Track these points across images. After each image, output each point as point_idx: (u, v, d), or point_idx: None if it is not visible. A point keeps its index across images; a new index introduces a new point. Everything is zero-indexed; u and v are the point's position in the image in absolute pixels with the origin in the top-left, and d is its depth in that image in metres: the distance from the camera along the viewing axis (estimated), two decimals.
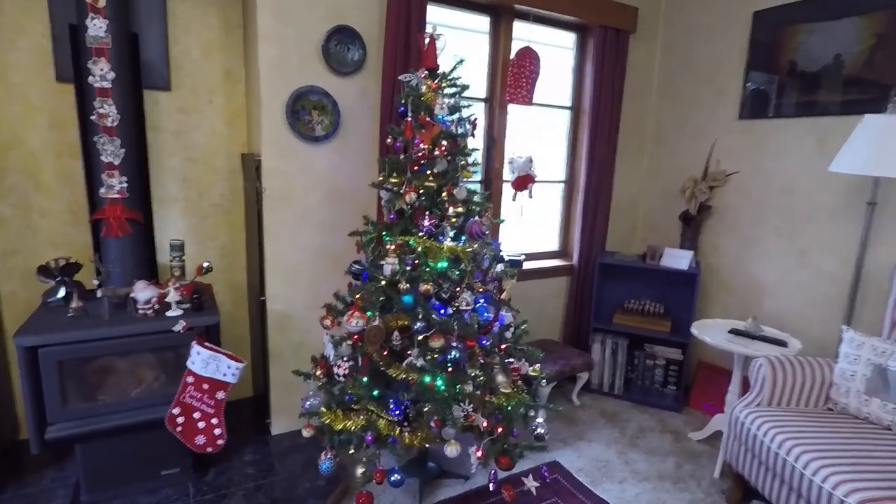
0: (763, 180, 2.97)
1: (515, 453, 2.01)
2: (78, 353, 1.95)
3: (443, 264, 1.97)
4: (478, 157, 2.26)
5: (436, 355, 1.92)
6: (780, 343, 2.51)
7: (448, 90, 2.09)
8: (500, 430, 2.04)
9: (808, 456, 1.82)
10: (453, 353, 1.92)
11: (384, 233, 2.07)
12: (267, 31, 2.29)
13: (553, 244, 3.61)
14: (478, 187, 2.40)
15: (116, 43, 2.00)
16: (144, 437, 2.13)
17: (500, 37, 3.01)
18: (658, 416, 3.12)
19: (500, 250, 2.27)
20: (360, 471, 1.87)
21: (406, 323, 1.99)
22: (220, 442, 2.18)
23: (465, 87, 2.12)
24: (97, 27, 1.95)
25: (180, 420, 2.12)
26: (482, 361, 2.11)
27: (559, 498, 2.32)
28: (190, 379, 2.11)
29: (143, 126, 2.21)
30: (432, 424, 1.87)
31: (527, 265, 3.33)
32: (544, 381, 2.39)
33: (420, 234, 2.01)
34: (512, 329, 2.30)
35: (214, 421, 2.16)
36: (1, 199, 2.29)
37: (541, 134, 3.53)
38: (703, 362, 3.27)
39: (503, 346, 2.12)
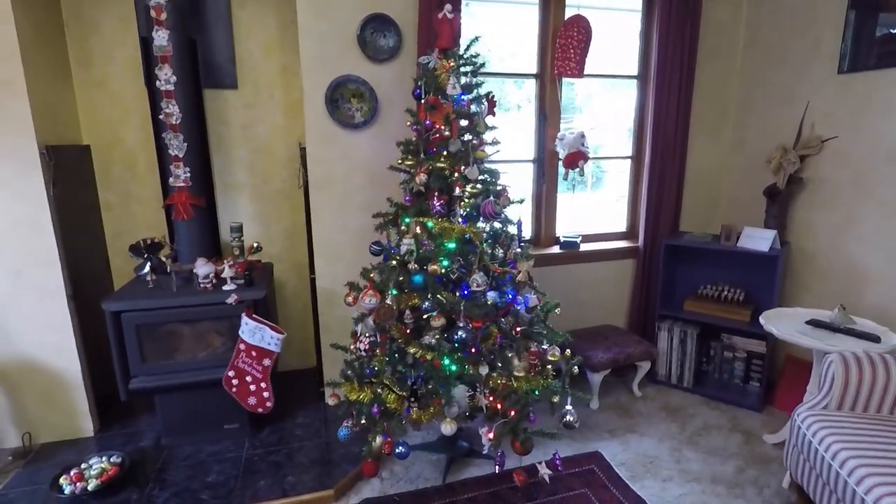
0: (868, 145, 2.48)
1: (523, 438, 1.96)
2: (151, 319, 2.30)
3: (451, 245, 1.97)
4: (497, 135, 2.19)
5: (440, 335, 1.94)
6: (872, 338, 2.10)
7: (465, 69, 2.07)
8: (512, 413, 2.00)
9: (864, 471, 1.53)
10: (459, 333, 1.93)
11: (401, 214, 2.12)
12: (306, 27, 2.44)
13: (622, 225, 3.38)
14: (499, 167, 2.32)
15: (177, 50, 2.29)
16: (211, 394, 2.44)
17: (550, 6, 2.87)
18: (732, 413, 2.80)
19: (521, 231, 2.20)
20: (372, 441, 1.97)
21: (417, 302, 2.04)
22: (269, 404, 2.43)
23: (481, 65, 2.08)
24: (161, 37, 2.25)
25: (235, 382, 2.41)
26: (499, 343, 2.09)
27: (589, 490, 2.22)
28: (242, 346, 2.38)
29: (203, 122, 2.50)
30: (434, 402, 1.90)
31: (588, 247, 3.17)
32: (576, 367, 2.30)
33: (433, 214, 2.03)
34: (537, 312, 2.24)
35: (263, 385, 2.41)
36: (108, 189, 2.76)
37: (613, 108, 3.31)
38: (792, 357, 2.86)
39: (518, 329, 2.06)
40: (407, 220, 2.10)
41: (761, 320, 2.35)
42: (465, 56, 2.05)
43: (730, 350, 3.03)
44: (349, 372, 2.11)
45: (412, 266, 2.00)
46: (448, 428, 1.86)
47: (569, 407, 2.19)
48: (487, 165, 2.22)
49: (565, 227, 3.30)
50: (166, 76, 2.29)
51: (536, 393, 2.13)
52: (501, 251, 2.15)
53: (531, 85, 3.02)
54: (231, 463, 2.33)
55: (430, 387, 1.93)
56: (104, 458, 2.21)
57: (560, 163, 2.93)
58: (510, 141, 3.08)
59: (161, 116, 2.33)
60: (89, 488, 2.06)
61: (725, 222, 3.24)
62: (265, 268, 2.75)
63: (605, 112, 3.31)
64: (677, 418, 2.77)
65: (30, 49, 2.23)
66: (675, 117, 2.99)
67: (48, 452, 2.40)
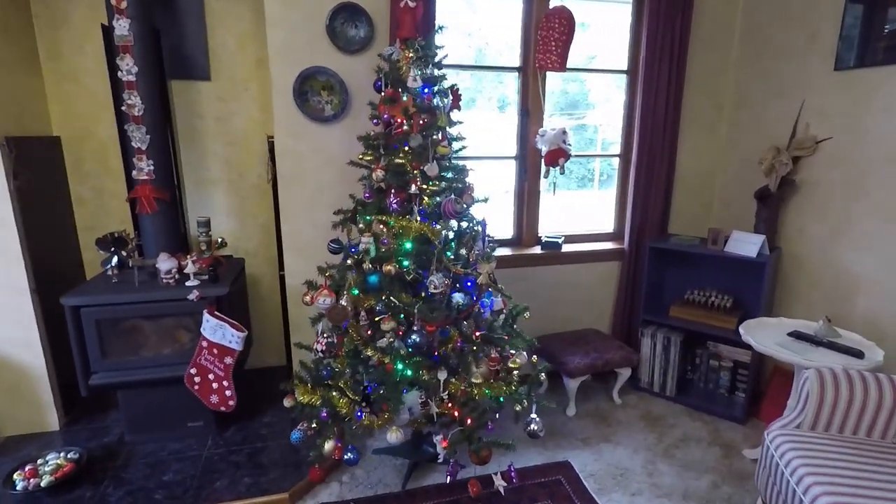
0: (864, 146, 2.33)
1: (476, 447, 1.88)
2: (111, 314, 2.27)
3: (408, 245, 1.89)
4: (464, 130, 2.10)
5: (393, 339, 1.87)
6: (854, 353, 1.98)
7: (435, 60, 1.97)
8: (469, 421, 1.93)
9: (827, 500, 1.42)
10: (413, 336, 1.85)
11: (360, 211, 2.05)
12: (274, 16, 2.37)
13: (609, 225, 3.26)
14: (474, 164, 2.23)
15: (139, 40, 2.23)
16: (175, 391, 2.40)
17: None
18: (714, 425, 2.69)
19: (485, 231, 2.11)
20: (321, 446, 1.91)
21: (373, 304, 1.96)
22: (231, 403, 2.38)
23: (441, 57, 1.98)
24: (122, 27, 2.20)
25: (197, 380, 2.37)
26: (460, 347, 2.01)
27: (552, 502, 2.13)
28: (204, 343, 2.34)
29: (168, 114, 2.44)
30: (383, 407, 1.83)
31: (572, 248, 3.07)
32: (543, 374, 2.22)
33: (391, 212, 1.95)
34: (503, 316, 2.15)
35: (225, 383, 2.36)
36: (81, 183, 2.73)
37: (604, 104, 3.19)
38: (780, 368, 2.72)
39: (477, 334, 1.98)
40: (366, 217, 2.02)
41: (741, 330, 2.23)
42: (426, 46, 1.96)
43: (716, 359, 2.90)
44: (303, 373, 2.05)
45: (366, 266, 1.93)
46: (393, 436, 1.79)
47: (533, 415, 2.12)
48: (455, 162, 2.13)
49: (553, 226, 3.20)
50: (128, 66, 2.24)
51: (501, 400, 2.05)
52: (466, 251, 2.06)
53: (512, 78, 2.91)
54: (191, 462, 2.30)
55: (381, 392, 1.86)
56: (61, 455, 2.19)
57: (542, 160, 2.83)
58: (503, 137, 2.99)
59: (123, 108, 2.28)
60: (42, 485, 2.04)
61: (717, 225, 3.10)
62: (235, 264, 2.70)
63: (595, 111, 3.20)
64: (656, 428, 2.66)
65: None
66: (665, 113, 2.86)
67: (13, 445, 2.40)
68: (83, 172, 2.72)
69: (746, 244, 2.59)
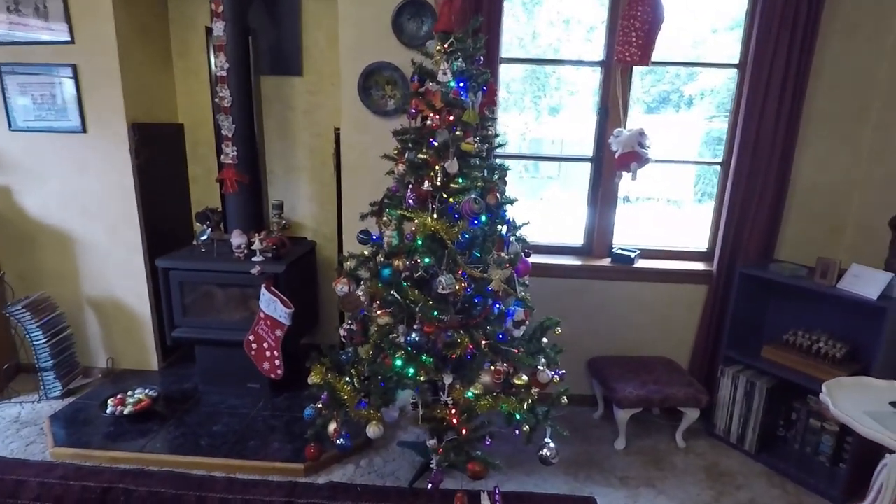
0: None
1: (466, 460, 1.79)
2: (191, 278, 2.63)
3: (418, 242, 1.86)
4: (499, 128, 1.99)
5: (396, 335, 1.85)
6: None
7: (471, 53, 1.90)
8: (464, 431, 1.84)
9: None
10: (413, 335, 1.82)
11: (386, 203, 2.06)
12: (346, 14, 2.50)
13: (703, 243, 2.84)
14: (503, 162, 2.09)
15: (232, 40, 2.52)
16: (240, 354, 2.69)
17: None
18: (799, 498, 2.20)
19: (509, 235, 1.97)
20: (321, 425, 1.98)
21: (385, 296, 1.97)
22: (279, 372, 2.61)
23: (477, 49, 1.89)
24: (218, 28, 2.51)
25: (254, 346, 2.63)
26: (471, 354, 1.93)
27: None
28: (261, 314, 2.59)
29: (251, 107, 2.71)
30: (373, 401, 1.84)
31: (650, 264, 2.74)
32: (564, 398, 2.03)
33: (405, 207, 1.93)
34: (523, 328, 2.01)
35: (276, 353, 2.59)
36: (195, 164, 3.20)
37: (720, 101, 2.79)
38: None
39: (484, 342, 1.87)
40: (390, 211, 2.04)
41: (823, 387, 1.77)
42: (461, 40, 1.88)
43: (818, 418, 2.35)
44: (322, 356, 2.14)
45: (379, 258, 1.94)
46: (372, 430, 1.79)
47: (548, 440, 1.95)
48: (494, 161, 2.04)
49: (634, 239, 2.89)
50: (221, 63, 2.54)
51: (518, 417, 1.93)
52: (485, 254, 1.96)
53: (595, 74, 2.67)
54: (239, 418, 2.57)
55: (374, 385, 1.87)
56: (144, 391, 2.61)
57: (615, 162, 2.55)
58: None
59: (216, 100, 2.61)
60: (125, 412, 2.46)
61: (848, 255, 2.50)
62: (303, 246, 2.93)
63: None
64: (717, 485, 2.26)
65: (129, 44, 2.66)
66: (777, 113, 2.37)
67: (121, 377, 2.93)
68: (198, 154, 3.18)
69: (867, 282, 2.05)
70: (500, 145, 2.08)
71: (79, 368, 2.90)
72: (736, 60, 2.56)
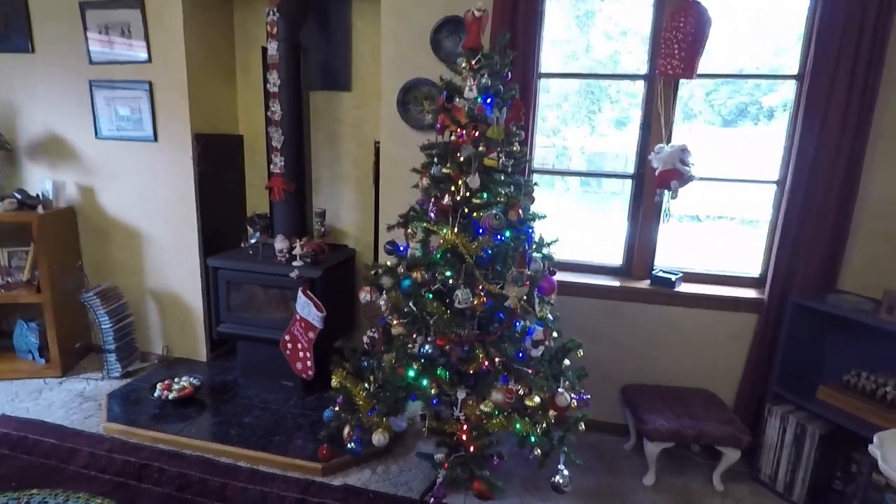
0: None
1: (470, 479, 1.76)
2: (236, 277, 2.81)
3: (437, 256, 1.88)
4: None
5: (411, 346, 1.87)
6: None
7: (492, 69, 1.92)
8: (472, 449, 1.82)
9: None
10: (426, 347, 1.84)
11: (412, 216, 2.10)
12: (387, 30, 2.60)
13: (755, 268, 2.63)
14: (531, 177, 2.05)
15: (284, 58, 2.70)
16: (277, 352, 2.84)
17: None
18: None
19: (529, 252, 1.94)
20: (335, 427, 2.04)
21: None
22: (310, 372, 2.71)
23: (504, 65, 1.90)
24: (272, 47, 2.69)
25: (290, 346, 2.76)
26: (485, 369, 1.91)
27: None
28: (297, 316, 2.71)
29: (300, 120, 2.87)
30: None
31: (694, 288, 2.59)
32: (582, 424, 1.96)
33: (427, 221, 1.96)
34: (542, 348, 1.96)
35: (308, 354, 2.70)
36: (253, 171, 3.42)
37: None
38: None
39: (497, 359, 1.84)
40: (415, 223, 2.07)
41: (875, 437, 1.58)
42: (488, 56, 1.89)
43: (881, 473, 2.08)
44: (345, 361, 2.20)
45: (400, 269, 1.98)
46: (377, 437, 1.81)
47: (561, 466, 1.90)
48: (520, 177, 2.04)
49: (679, 260, 2.74)
50: (273, 80, 2.72)
51: (532, 439, 1.89)
52: (506, 269, 1.94)
53: (637, 87, 2.58)
54: (270, 413, 2.69)
55: (386, 393, 1.89)
56: (189, 379, 2.80)
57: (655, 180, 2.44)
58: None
59: (268, 113, 2.79)
60: (170, 397, 2.67)
61: None
62: (343, 252, 3.04)
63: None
64: None
65: (196, 63, 2.92)
66: (841, 126, 2.16)
67: (174, 365, 3.17)
68: (255, 163, 3.40)
69: None
70: (527, 161, 2.05)
71: (137, 353, 3.19)
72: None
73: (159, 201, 3.07)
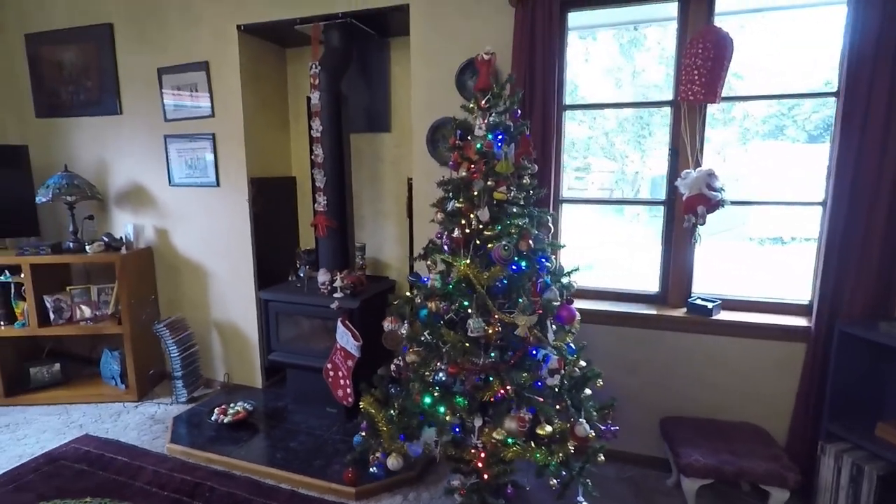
0: None
1: None
2: (284, 309, 3.04)
3: (449, 287, 1.96)
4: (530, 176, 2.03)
5: (425, 372, 1.95)
6: None
7: (500, 107, 2.02)
8: (486, 476, 1.85)
9: None
10: (440, 374, 1.91)
11: (430, 248, 2.21)
12: (417, 74, 2.78)
13: (805, 295, 2.48)
14: (547, 210, 2.07)
15: (326, 107, 2.95)
16: (322, 379, 3.02)
17: (689, 20, 2.40)
18: None
19: (541, 280, 1.97)
20: (364, 451, 2.13)
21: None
22: (350, 399, 2.85)
23: (512, 103, 1.99)
24: (315, 97, 2.95)
25: (332, 374, 2.92)
26: (499, 398, 1.95)
27: None
28: (338, 345, 2.88)
29: (342, 161, 3.09)
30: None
31: (734, 316, 2.49)
32: (601, 455, 1.93)
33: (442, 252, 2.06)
34: (557, 376, 1.97)
35: (348, 382, 2.84)
36: (304, 209, 3.70)
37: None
38: None
39: (508, 387, 1.87)
40: (434, 255, 2.18)
41: None
42: (496, 96, 2.00)
43: None
44: (373, 388, 2.31)
45: (417, 300, 2.08)
46: (391, 461, 1.88)
47: (580, 498, 1.88)
48: (534, 209, 2.10)
49: (720, 287, 2.65)
50: (317, 126, 2.98)
51: (552, 467, 1.89)
52: (517, 297, 1.99)
53: (664, 115, 2.57)
54: (313, 439, 2.84)
55: (404, 419, 1.97)
56: (244, 404, 3.03)
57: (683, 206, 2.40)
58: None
59: (312, 157, 3.04)
60: (225, 421, 2.90)
61: None
62: (382, 284, 3.19)
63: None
64: None
65: (252, 115, 3.25)
66: (883, 141, 2.04)
67: (234, 389, 3.43)
68: (306, 203, 3.68)
69: None
70: (538, 193, 2.11)
71: (202, 379, 3.48)
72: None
73: (221, 240, 3.40)
